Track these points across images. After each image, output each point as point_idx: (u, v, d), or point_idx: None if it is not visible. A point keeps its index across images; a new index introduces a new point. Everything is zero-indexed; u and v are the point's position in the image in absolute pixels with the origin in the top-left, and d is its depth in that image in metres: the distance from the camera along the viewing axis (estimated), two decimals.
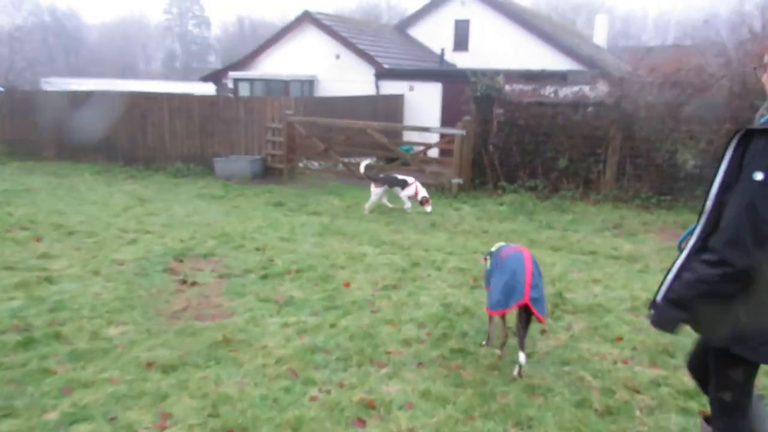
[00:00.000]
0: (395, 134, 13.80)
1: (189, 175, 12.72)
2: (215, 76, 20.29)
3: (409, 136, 14.37)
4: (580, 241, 7.66)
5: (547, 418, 3.24)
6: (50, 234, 7.15)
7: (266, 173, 12.62)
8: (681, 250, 2.32)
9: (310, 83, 18.05)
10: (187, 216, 8.56)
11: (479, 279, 5.70)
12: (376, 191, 9.15)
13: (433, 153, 12.55)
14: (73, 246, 6.65)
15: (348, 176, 12.26)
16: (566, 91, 11.38)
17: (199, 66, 55.47)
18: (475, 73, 11.46)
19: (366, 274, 5.89)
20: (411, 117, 16.77)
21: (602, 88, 12.23)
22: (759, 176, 1.97)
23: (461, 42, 21.33)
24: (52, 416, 3.19)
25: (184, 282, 5.52)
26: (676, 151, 10.05)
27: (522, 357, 3.72)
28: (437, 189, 10.71)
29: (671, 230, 8.34)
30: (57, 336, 4.16)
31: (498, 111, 11.20)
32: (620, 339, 4.34)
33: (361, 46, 17.89)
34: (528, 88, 11.36)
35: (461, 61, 20.45)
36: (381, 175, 9.57)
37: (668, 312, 2.22)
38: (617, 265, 6.56)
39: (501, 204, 9.92)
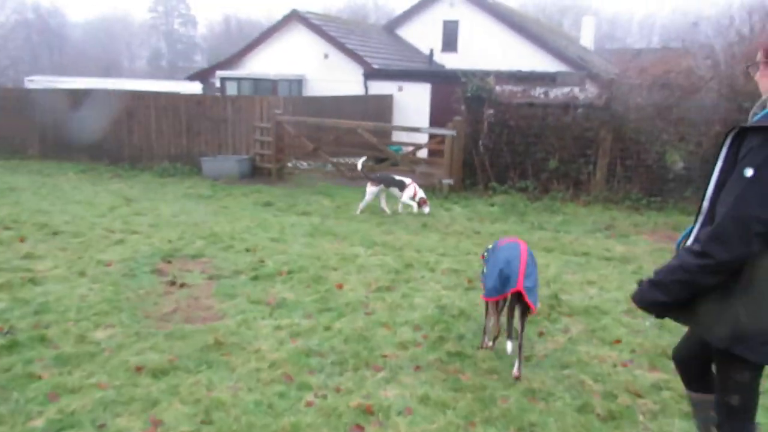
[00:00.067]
0: (384, 134, 13.72)
1: (176, 174, 12.55)
2: (202, 75, 20.10)
3: (397, 137, 14.29)
4: (572, 242, 7.63)
5: (549, 424, 3.18)
6: (34, 234, 6.97)
7: (254, 173, 12.49)
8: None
9: (298, 83, 17.92)
10: (174, 216, 8.41)
11: (474, 280, 5.63)
12: (371, 191, 9.03)
13: (422, 153, 12.50)
14: (58, 246, 6.49)
15: (337, 176, 12.18)
16: (556, 93, 11.38)
17: (185, 65, 55.08)
18: (465, 73, 11.42)
19: (359, 275, 5.80)
20: (400, 117, 16.72)
21: (591, 89, 12.27)
22: (749, 172, 1.98)
23: (450, 43, 21.32)
24: (38, 423, 3.07)
25: (172, 283, 5.40)
26: (666, 153, 10.08)
27: (509, 347, 3.78)
28: (427, 190, 10.62)
29: (663, 231, 8.34)
30: (42, 339, 4.02)
31: (488, 112, 11.17)
32: (618, 342, 4.30)
33: (350, 46, 17.81)
34: (518, 89, 11.35)
35: (450, 61, 20.43)
36: (377, 175, 9.45)
37: (648, 292, 2.26)
38: (610, 266, 6.53)
39: (492, 205, 9.88)
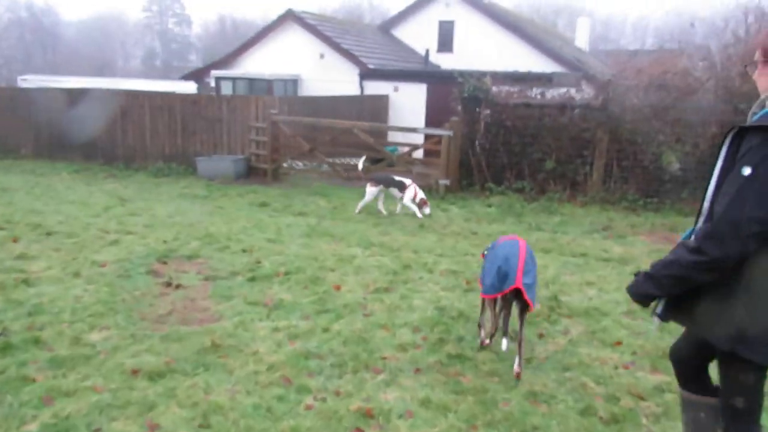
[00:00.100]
0: (380, 134, 13.68)
1: (170, 174, 12.47)
2: (197, 75, 20.01)
3: (393, 137, 14.25)
4: (570, 243, 7.61)
5: (552, 427, 3.14)
6: (28, 234, 6.89)
7: (250, 173, 12.42)
8: None
9: (293, 82, 17.87)
10: (169, 216, 8.34)
11: (472, 282, 5.60)
12: (371, 191, 8.96)
13: (418, 154, 12.47)
14: (52, 247, 6.41)
15: (333, 177, 12.13)
16: (553, 93, 11.37)
17: (180, 65, 54.85)
18: (462, 73, 11.40)
19: (356, 276, 5.76)
20: (395, 117, 16.68)
21: (587, 90, 12.27)
22: (747, 171, 1.97)
23: (445, 43, 21.30)
24: (33, 427, 3.01)
25: (168, 284, 5.34)
26: (663, 154, 10.08)
27: (504, 344, 3.80)
28: (424, 190, 10.55)
29: (660, 233, 8.33)
30: (36, 341, 3.95)
31: (485, 112, 11.15)
32: (619, 343, 4.26)
33: (346, 46, 17.76)
34: (515, 89, 11.32)
35: (445, 62, 20.41)
36: (377, 175, 9.38)
37: (642, 285, 2.27)
38: (609, 267, 6.50)
39: (489, 205, 9.85)
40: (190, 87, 19.40)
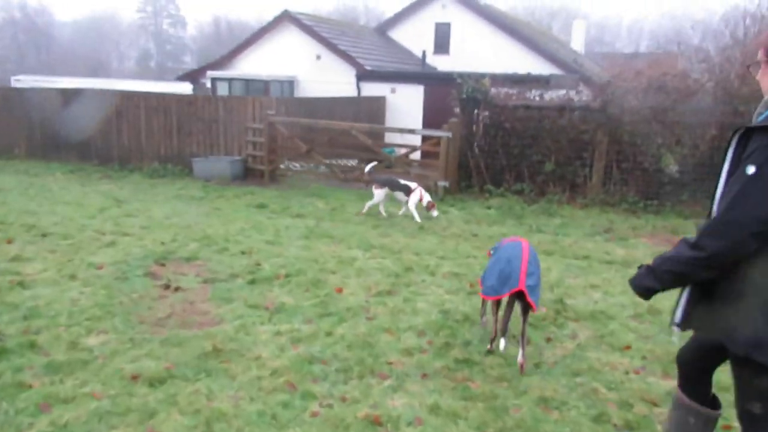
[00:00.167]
0: (377, 136, 13.59)
1: (166, 175, 12.35)
2: (192, 76, 19.88)
3: (391, 138, 14.16)
4: (571, 245, 7.54)
5: None
6: (22, 236, 6.77)
7: (246, 174, 12.32)
8: None
9: (290, 83, 17.76)
10: (166, 218, 8.23)
11: (476, 284, 5.50)
12: (378, 193, 8.85)
13: (416, 155, 12.39)
14: (48, 248, 6.29)
15: (330, 178, 12.04)
16: (551, 95, 11.32)
17: (174, 66, 54.70)
18: (461, 75, 11.33)
19: (358, 279, 5.67)
20: (393, 119, 16.61)
21: (585, 92, 12.23)
22: (751, 170, 1.96)
23: (442, 45, 21.24)
24: None
25: (167, 287, 5.23)
26: (662, 156, 10.03)
27: (502, 344, 3.84)
28: None
29: (662, 235, 8.27)
30: (32, 346, 3.84)
31: (484, 114, 11.09)
32: (629, 348, 4.19)
33: (343, 47, 17.68)
34: (513, 91, 11.27)
35: (442, 64, 20.35)
36: (383, 178, 9.28)
37: (643, 278, 2.25)
38: (612, 270, 6.44)
39: (488, 207, 9.77)
40: (185, 88, 19.26)
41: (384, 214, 8.94)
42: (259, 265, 5.98)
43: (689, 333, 2.48)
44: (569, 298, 5.28)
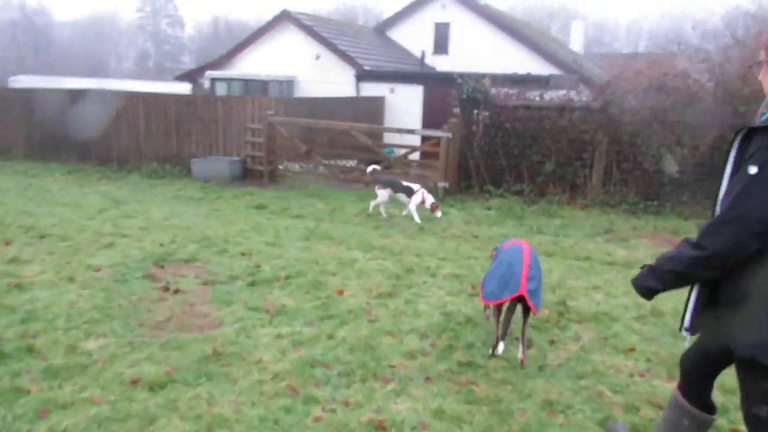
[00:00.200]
0: (376, 136, 13.56)
1: (165, 176, 12.30)
2: (191, 76, 19.83)
3: (390, 139, 14.12)
4: (572, 246, 7.51)
5: None
6: (20, 237, 6.72)
7: (245, 175, 12.27)
8: None
9: (289, 83, 17.71)
10: (165, 219, 8.19)
11: (477, 286, 5.47)
12: (382, 193, 8.80)
13: (415, 156, 12.35)
14: (46, 250, 6.24)
15: (330, 178, 12.00)
16: (551, 95, 11.28)
17: (173, 66, 54.62)
18: (461, 75, 11.30)
19: (359, 280, 5.62)
20: (392, 119, 16.56)
21: (584, 92, 12.19)
22: (753, 170, 1.96)
23: (441, 45, 21.20)
24: None
25: (166, 289, 5.19)
26: (663, 156, 10.00)
27: (500, 347, 3.88)
28: None
29: (662, 236, 8.24)
30: (30, 350, 3.80)
31: (484, 114, 11.05)
32: (633, 350, 4.15)
33: (342, 47, 17.63)
34: (513, 91, 11.23)
35: (441, 64, 20.31)
36: (385, 179, 9.23)
37: (646, 278, 2.25)
38: (614, 271, 6.41)
39: (488, 208, 9.73)
40: (184, 88, 19.21)
41: (384, 215, 8.90)
42: (259, 266, 5.93)
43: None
44: (571, 299, 5.24)
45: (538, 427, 3.11)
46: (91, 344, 3.96)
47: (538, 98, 11.05)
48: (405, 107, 16.61)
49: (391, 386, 3.51)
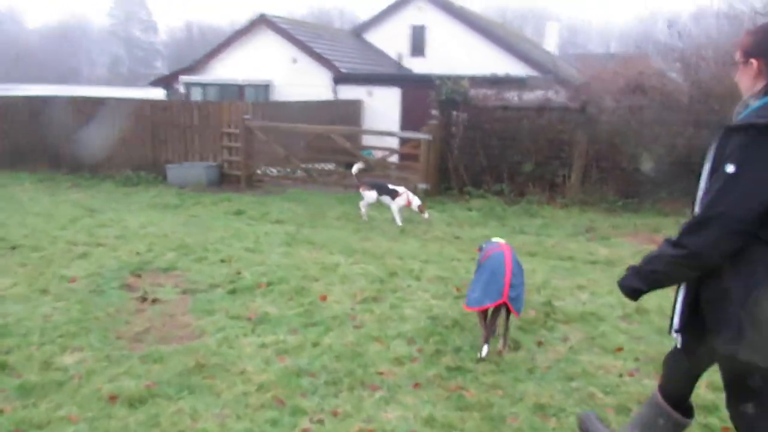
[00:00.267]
0: (355, 139, 13.48)
1: (139, 183, 12.07)
2: (165, 81, 19.54)
3: (369, 141, 14.05)
4: (555, 245, 7.51)
5: None
6: None
7: (222, 180, 12.11)
8: None
9: (265, 88, 17.54)
10: (141, 227, 8.00)
11: (462, 289, 5.41)
12: (369, 194, 8.71)
13: (393, 158, 12.30)
14: (17, 262, 6.04)
15: (308, 182, 11.90)
16: (530, 96, 11.32)
17: (146, 71, 53.91)
18: (440, 77, 11.28)
19: (342, 285, 5.53)
20: (370, 122, 16.48)
21: (562, 92, 12.27)
22: (730, 169, 1.99)
23: (418, 47, 21.19)
24: None
25: (144, 299, 5.04)
26: (640, 155, 10.07)
27: (485, 350, 3.88)
28: None
29: (643, 233, 8.28)
30: (2, 367, 3.63)
31: (463, 115, 11.04)
32: (621, 349, 4.13)
33: (319, 50, 17.52)
34: (492, 92, 11.25)
35: (418, 66, 20.29)
36: (370, 181, 9.14)
37: (630, 278, 2.27)
38: (597, 270, 6.40)
39: (469, 209, 9.71)
40: (158, 94, 18.92)
41: (365, 217, 8.82)
42: (239, 273, 5.81)
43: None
44: (557, 299, 5.21)
45: None
46: (67, 359, 3.81)
47: (516, 99, 11.08)
48: (383, 110, 16.55)
49: (379, 394, 3.43)
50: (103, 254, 6.45)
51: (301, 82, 17.06)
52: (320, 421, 3.12)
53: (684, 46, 11.48)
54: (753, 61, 2.14)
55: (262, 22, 17.95)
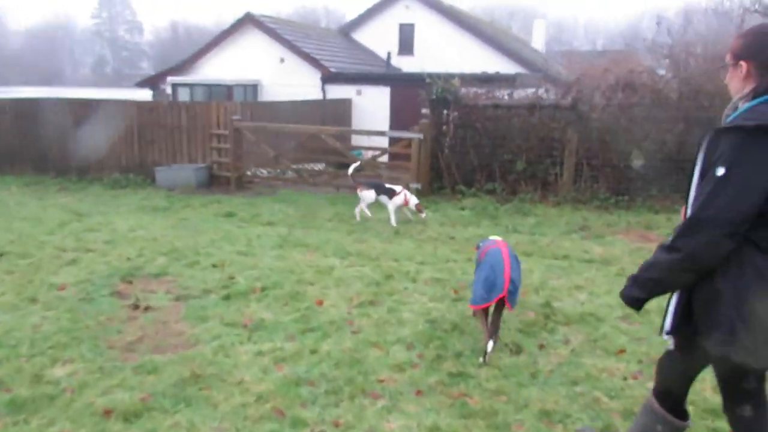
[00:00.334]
0: (344, 139, 13.39)
1: (128, 185, 11.90)
2: (152, 82, 19.34)
3: (359, 141, 13.96)
4: (549, 244, 7.47)
5: None
6: None
7: (212, 182, 11.98)
8: None
9: (253, 88, 17.40)
10: (130, 230, 7.87)
11: (460, 291, 5.37)
12: (367, 194, 8.63)
13: (383, 158, 12.22)
14: (4, 269, 5.90)
15: (299, 183, 11.80)
16: (520, 94, 11.28)
17: (132, 72, 53.47)
18: (430, 75, 11.21)
19: (338, 289, 5.45)
20: (359, 121, 16.40)
21: (552, 90, 12.24)
22: (720, 171, 2.00)
23: (406, 46, 21.15)
24: None
25: (136, 307, 4.93)
26: (631, 152, 10.06)
27: (490, 345, 3.86)
28: None
29: (636, 231, 8.27)
30: None
31: (454, 114, 10.98)
32: (623, 351, 4.08)
33: (307, 50, 17.41)
34: (482, 90, 11.19)
35: (407, 64, 20.24)
36: (368, 181, 9.06)
37: (630, 289, 2.29)
38: (593, 269, 6.36)
39: (462, 209, 9.65)
40: (145, 94, 18.72)
41: (358, 218, 8.74)
42: (232, 278, 5.71)
43: None
44: (556, 300, 5.16)
45: None
46: (58, 371, 3.69)
47: (507, 97, 11.04)
48: (372, 109, 16.47)
49: (381, 403, 3.35)
50: (93, 260, 6.33)
51: (290, 81, 16.94)
52: None
53: (673, 43, 11.51)
54: (742, 63, 2.15)
55: (248, 21, 17.81)
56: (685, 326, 2.24)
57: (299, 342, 4.19)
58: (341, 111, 16.30)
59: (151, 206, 9.89)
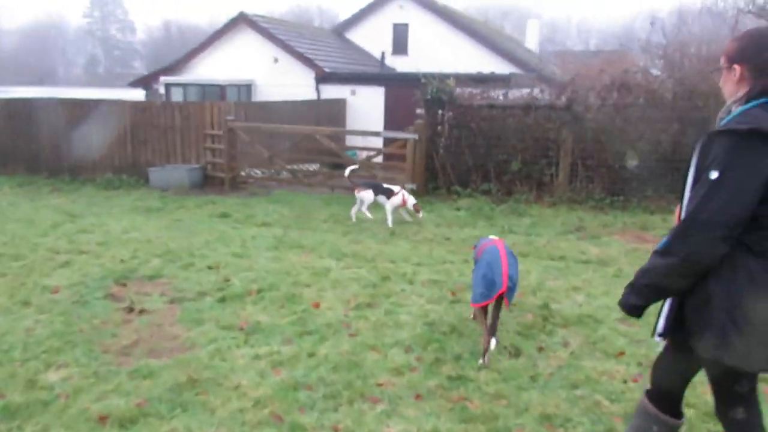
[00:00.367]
0: (339, 139, 13.34)
1: (121, 186, 11.83)
2: (145, 81, 19.23)
3: (353, 141, 13.91)
4: (545, 245, 7.45)
5: None
6: None
7: (206, 183, 11.92)
8: None
9: (247, 88, 17.32)
10: (124, 232, 7.81)
11: (457, 292, 5.34)
12: (366, 194, 8.59)
13: (377, 158, 12.19)
14: None
15: (293, 183, 11.76)
16: (515, 94, 11.27)
17: (124, 71, 53.22)
18: (425, 75, 11.18)
19: (334, 291, 5.41)
20: (353, 121, 16.36)
21: (546, 90, 12.23)
22: (714, 174, 2.00)
23: (400, 46, 21.12)
24: None
25: (130, 310, 4.88)
26: (626, 152, 10.07)
27: (493, 343, 3.91)
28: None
29: (632, 231, 8.27)
30: None
31: (449, 114, 10.96)
32: (623, 354, 4.06)
33: (300, 50, 17.34)
34: (477, 91, 11.18)
35: (401, 64, 20.20)
36: (365, 182, 9.02)
37: (628, 297, 2.26)
38: (590, 270, 6.35)
39: (458, 209, 9.63)
40: (137, 94, 18.60)
41: (354, 219, 8.70)
42: (228, 280, 5.66)
43: None
44: (553, 302, 5.14)
45: None
46: (52, 376, 3.64)
47: (501, 97, 11.02)
48: (366, 109, 16.43)
49: (380, 407, 3.32)
50: (86, 262, 6.26)
51: (284, 81, 16.87)
52: None
53: (667, 43, 11.53)
54: (736, 66, 2.15)
55: (242, 21, 17.73)
56: (678, 329, 2.24)
57: (296, 345, 4.15)
58: (335, 111, 16.25)
59: (145, 207, 9.82)
